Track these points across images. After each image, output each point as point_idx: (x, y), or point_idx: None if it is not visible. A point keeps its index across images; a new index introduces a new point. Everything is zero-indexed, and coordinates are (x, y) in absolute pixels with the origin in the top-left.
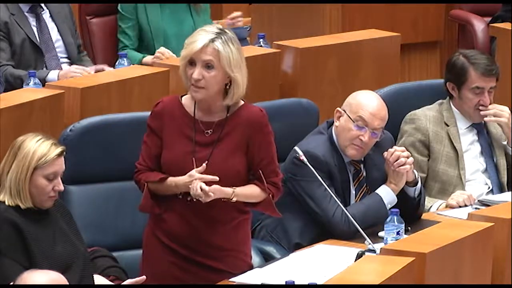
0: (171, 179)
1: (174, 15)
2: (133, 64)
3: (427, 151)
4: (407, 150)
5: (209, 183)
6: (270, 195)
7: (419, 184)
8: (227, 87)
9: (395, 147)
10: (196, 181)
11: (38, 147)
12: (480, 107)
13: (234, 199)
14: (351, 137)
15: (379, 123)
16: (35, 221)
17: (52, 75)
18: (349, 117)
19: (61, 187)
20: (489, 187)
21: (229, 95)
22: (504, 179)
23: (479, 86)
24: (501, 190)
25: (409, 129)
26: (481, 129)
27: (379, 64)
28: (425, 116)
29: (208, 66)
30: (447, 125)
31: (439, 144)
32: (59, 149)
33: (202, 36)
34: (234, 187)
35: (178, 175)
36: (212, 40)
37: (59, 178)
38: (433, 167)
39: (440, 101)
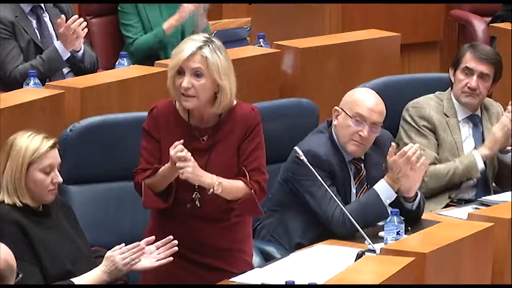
0: (160, 172)
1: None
2: (149, 46)
3: (434, 135)
4: (414, 138)
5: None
6: (253, 191)
7: (418, 197)
8: (216, 95)
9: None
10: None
11: (30, 142)
12: (466, 91)
13: (218, 189)
14: (350, 133)
15: (377, 118)
16: (38, 223)
17: (58, 47)
18: (347, 114)
19: (60, 179)
20: (474, 183)
21: (216, 103)
22: (490, 174)
23: (468, 66)
24: (485, 185)
25: (414, 117)
26: (476, 122)
27: (379, 64)
28: (428, 104)
29: (197, 74)
30: (447, 116)
31: (444, 132)
32: (51, 142)
33: (190, 45)
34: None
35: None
36: (200, 48)
37: (56, 171)
38: (439, 153)
39: (438, 92)
